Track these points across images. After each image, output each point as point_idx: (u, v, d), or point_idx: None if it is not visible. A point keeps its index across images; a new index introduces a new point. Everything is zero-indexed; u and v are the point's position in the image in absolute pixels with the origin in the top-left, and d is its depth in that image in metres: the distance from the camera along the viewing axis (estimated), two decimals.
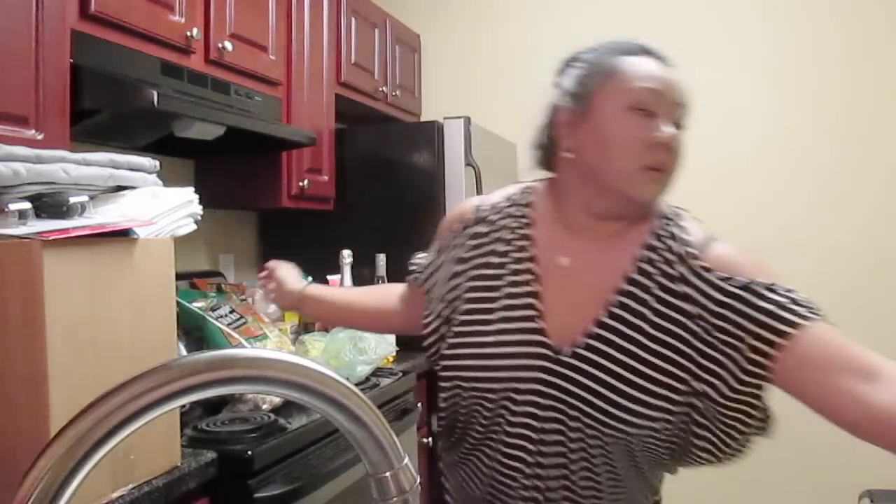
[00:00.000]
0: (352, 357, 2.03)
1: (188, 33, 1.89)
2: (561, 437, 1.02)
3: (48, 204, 1.26)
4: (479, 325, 1.07)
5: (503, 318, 1.06)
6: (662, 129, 0.99)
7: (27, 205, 1.22)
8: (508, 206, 1.14)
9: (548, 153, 1.12)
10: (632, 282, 1.02)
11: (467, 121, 2.71)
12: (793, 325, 0.93)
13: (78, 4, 1.58)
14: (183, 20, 1.89)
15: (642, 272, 1.02)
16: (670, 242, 1.03)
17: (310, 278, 1.61)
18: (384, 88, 3.08)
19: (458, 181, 2.71)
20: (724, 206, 3.06)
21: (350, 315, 1.46)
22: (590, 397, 0.99)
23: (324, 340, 2.11)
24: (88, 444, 0.44)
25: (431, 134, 2.75)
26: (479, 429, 1.09)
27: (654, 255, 1.02)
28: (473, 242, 1.13)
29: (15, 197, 1.21)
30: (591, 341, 1.00)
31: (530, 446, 1.04)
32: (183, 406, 1.60)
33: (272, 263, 1.52)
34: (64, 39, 1.53)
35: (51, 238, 1.11)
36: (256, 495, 1.50)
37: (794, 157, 3.07)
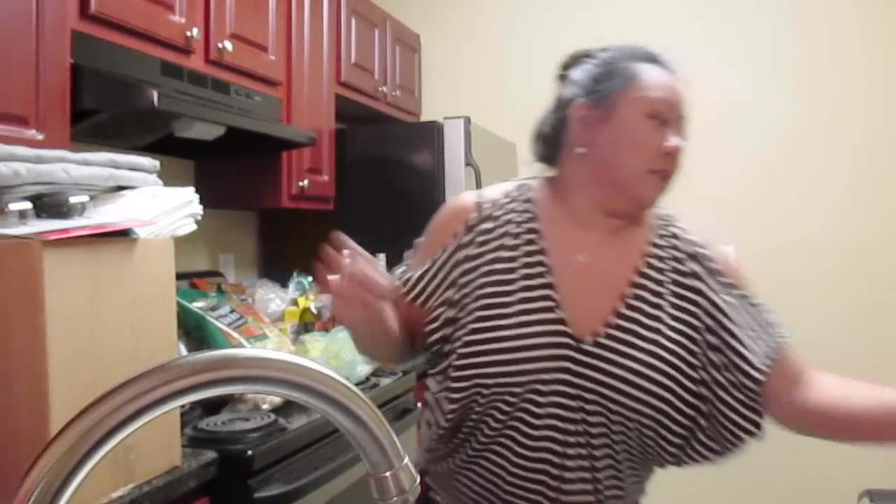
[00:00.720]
0: (352, 357, 2.03)
1: (188, 33, 1.89)
2: (586, 427, 1.04)
3: (48, 204, 1.27)
4: (496, 320, 1.06)
5: (521, 310, 1.06)
6: (672, 139, 1.06)
7: (27, 205, 1.22)
8: (509, 202, 1.14)
9: (553, 145, 1.15)
10: (644, 275, 1.08)
11: (467, 121, 2.72)
12: (784, 342, 1.07)
13: (78, 5, 1.58)
14: (183, 20, 1.89)
15: (653, 267, 1.09)
16: (675, 241, 1.11)
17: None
18: (384, 88, 3.08)
19: (458, 181, 2.71)
20: (735, 205, 3.07)
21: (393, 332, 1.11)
22: (616, 383, 1.02)
23: (324, 340, 2.11)
24: (89, 443, 0.44)
25: (431, 134, 2.75)
26: (489, 431, 1.08)
27: (661, 252, 1.10)
28: (481, 239, 1.12)
29: (15, 197, 1.21)
30: (613, 331, 1.05)
31: (559, 436, 1.04)
32: (183, 406, 1.60)
33: (353, 254, 0.99)
34: (64, 40, 1.53)
35: (51, 238, 1.11)
36: (256, 495, 1.50)
37: (802, 156, 3.07)
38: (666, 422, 1.03)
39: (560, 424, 1.04)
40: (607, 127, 1.07)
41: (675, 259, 1.10)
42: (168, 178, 1.57)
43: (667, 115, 1.06)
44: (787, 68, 3.06)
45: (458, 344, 1.07)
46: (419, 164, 2.75)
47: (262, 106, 2.24)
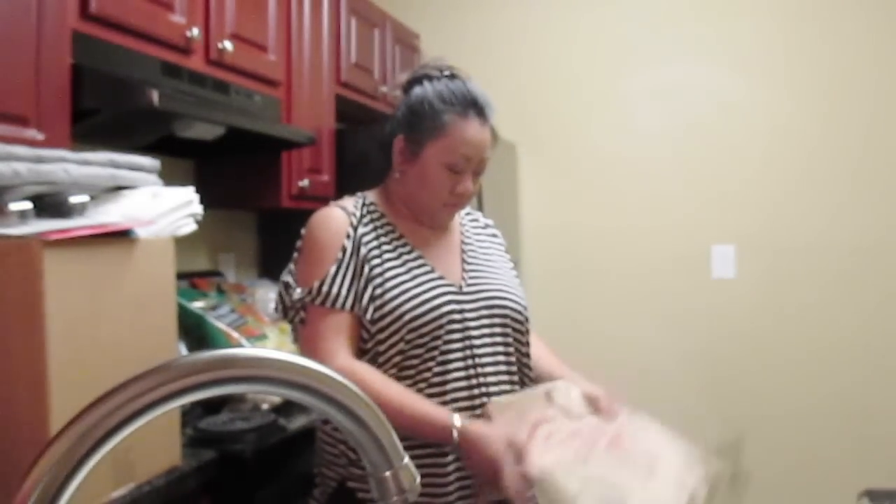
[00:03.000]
0: None
1: (188, 33, 1.89)
2: (489, 339, 1.35)
3: (49, 204, 1.27)
4: (404, 285, 1.31)
5: (415, 275, 1.34)
6: (464, 184, 1.36)
7: (28, 205, 1.22)
8: (361, 210, 1.39)
9: (386, 157, 1.43)
10: (467, 242, 1.47)
11: None
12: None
13: (78, 5, 1.58)
14: (183, 20, 1.89)
15: (469, 235, 1.49)
16: (469, 214, 1.55)
17: None
18: (384, 88, 3.08)
19: None
20: (734, 205, 3.07)
21: None
22: (496, 304, 1.38)
23: None
24: (89, 443, 0.45)
25: None
26: (409, 372, 1.30)
27: (469, 225, 1.52)
28: (367, 238, 1.36)
29: (16, 197, 1.22)
30: (472, 277, 1.40)
31: (469, 360, 1.33)
32: (183, 405, 1.60)
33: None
34: (64, 40, 1.53)
35: (52, 238, 1.12)
36: (256, 495, 1.50)
37: (802, 156, 3.07)
38: (521, 317, 1.41)
39: (475, 348, 1.34)
40: (415, 165, 1.37)
41: (475, 224, 1.53)
42: (168, 178, 1.58)
43: (463, 167, 1.35)
44: (788, 68, 3.06)
45: (373, 306, 1.30)
46: None
47: (261, 106, 2.24)
